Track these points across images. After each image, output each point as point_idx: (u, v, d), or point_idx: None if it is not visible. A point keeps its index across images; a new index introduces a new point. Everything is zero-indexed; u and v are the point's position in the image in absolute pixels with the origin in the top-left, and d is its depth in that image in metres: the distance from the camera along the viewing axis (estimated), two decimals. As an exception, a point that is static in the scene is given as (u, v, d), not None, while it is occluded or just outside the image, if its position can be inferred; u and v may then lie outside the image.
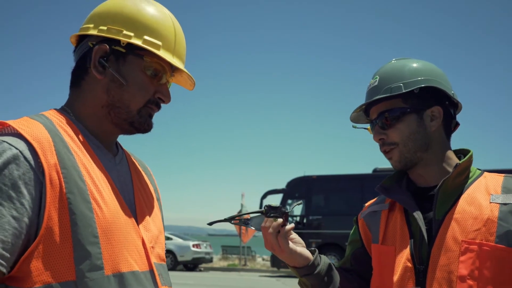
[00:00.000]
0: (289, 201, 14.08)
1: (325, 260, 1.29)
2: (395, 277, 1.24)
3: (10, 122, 1.01)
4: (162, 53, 1.11)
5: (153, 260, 1.10)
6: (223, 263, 20.36)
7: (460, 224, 1.20)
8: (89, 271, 0.95)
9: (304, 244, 1.27)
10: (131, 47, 1.10)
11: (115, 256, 1.00)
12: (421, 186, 1.32)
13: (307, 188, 14.28)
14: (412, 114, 1.29)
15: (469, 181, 1.29)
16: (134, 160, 1.28)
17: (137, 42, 1.09)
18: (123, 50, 1.10)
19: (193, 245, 17.56)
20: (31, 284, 0.92)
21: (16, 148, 0.95)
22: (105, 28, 1.11)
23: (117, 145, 1.23)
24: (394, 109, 1.29)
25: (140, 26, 1.11)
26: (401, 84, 1.27)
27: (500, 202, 1.20)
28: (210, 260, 18.80)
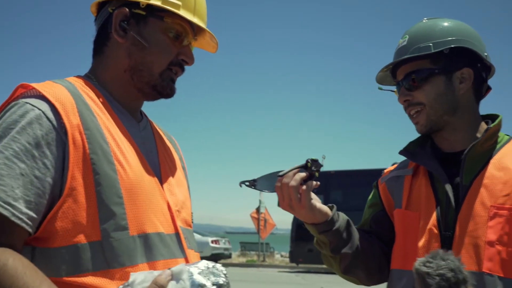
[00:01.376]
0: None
1: (343, 217, 1.27)
2: (420, 243, 1.22)
3: (34, 84, 1.01)
4: (182, 12, 1.11)
5: (179, 223, 1.10)
6: (242, 259, 20.39)
7: (488, 189, 1.17)
8: (114, 231, 0.95)
9: (319, 200, 1.24)
10: (151, 9, 1.10)
11: (140, 217, 0.99)
12: (447, 151, 1.29)
13: (325, 184, 14.21)
14: (441, 75, 1.24)
15: (498, 146, 1.25)
16: (159, 129, 1.29)
17: (156, 2, 1.10)
18: (143, 13, 1.10)
19: (212, 241, 17.66)
20: (57, 244, 0.92)
21: (39, 109, 0.96)
22: None
23: (142, 114, 1.24)
24: (422, 70, 1.25)
25: None
26: (431, 44, 1.23)
27: None
28: (229, 256, 18.88)
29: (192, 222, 1.22)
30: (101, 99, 1.08)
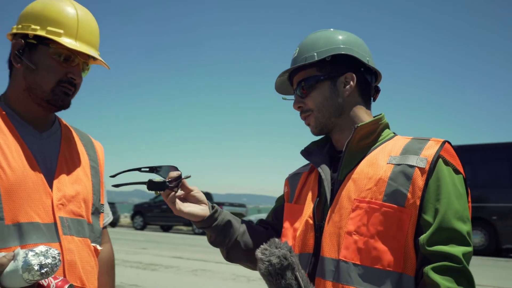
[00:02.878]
0: None
1: (224, 218, 1.40)
2: (298, 232, 1.32)
3: None
4: (62, 39, 1.31)
5: (61, 214, 1.32)
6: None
7: (356, 183, 1.26)
8: None
9: (203, 201, 1.37)
10: (40, 38, 1.33)
11: (15, 210, 1.23)
12: (339, 150, 1.39)
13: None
14: (326, 81, 1.35)
15: (376, 144, 1.33)
16: (75, 135, 1.52)
17: (41, 33, 1.32)
18: (34, 42, 1.33)
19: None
20: None
21: None
22: (20, 26, 1.36)
23: (58, 123, 1.48)
24: (310, 78, 1.36)
25: (44, 19, 1.33)
26: (315, 53, 1.34)
27: (395, 163, 1.24)
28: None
29: (96, 210, 1.47)
30: (3, 113, 1.33)
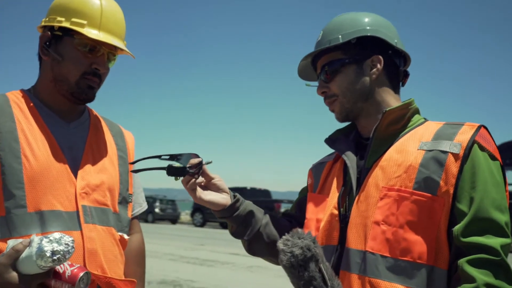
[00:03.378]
0: None
1: (246, 207, 1.35)
2: (322, 223, 1.26)
3: None
4: (85, 30, 1.34)
5: (84, 203, 1.34)
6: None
7: (384, 171, 1.19)
8: (14, 208, 1.23)
9: (224, 189, 1.33)
10: (65, 30, 1.36)
11: (38, 198, 1.26)
12: (366, 137, 1.32)
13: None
14: (352, 64, 1.28)
15: (406, 130, 1.26)
16: (105, 125, 1.54)
17: (65, 24, 1.35)
18: (60, 33, 1.36)
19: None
20: None
21: None
22: (47, 18, 1.39)
23: (88, 113, 1.51)
24: (334, 61, 1.29)
25: (69, 11, 1.36)
26: (340, 36, 1.28)
27: (426, 149, 1.16)
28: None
29: (124, 200, 1.47)
30: (31, 107, 1.36)
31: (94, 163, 1.42)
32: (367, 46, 1.28)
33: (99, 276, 1.29)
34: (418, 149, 1.17)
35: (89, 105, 1.52)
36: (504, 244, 1.04)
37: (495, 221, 1.06)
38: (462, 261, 1.04)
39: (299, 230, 1.09)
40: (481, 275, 1.01)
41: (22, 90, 1.42)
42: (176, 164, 1.28)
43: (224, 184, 1.35)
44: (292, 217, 1.48)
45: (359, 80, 1.28)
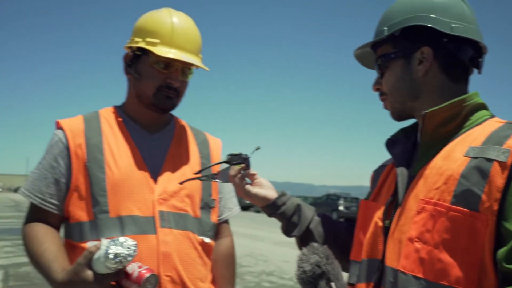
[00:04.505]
0: None
1: (293, 202, 1.31)
2: (368, 234, 1.14)
3: (60, 120, 1.52)
4: (157, 49, 1.42)
5: (161, 208, 1.42)
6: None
7: (426, 180, 1.02)
8: (99, 213, 1.38)
9: (270, 187, 1.32)
10: (142, 49, 1.47)
11: (119, 204, 1.39)
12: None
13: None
14: (399, 59, 1.13)
15: (462, 130, 1.06)
16: (190, 134, 1.64)
17: (141, 45, 1.45)
18: (139, 53, 1.47)
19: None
20: (71, 221, 1.43)
21: (58, 136, 1.47)
22: (129, 40, 1.50)
23: (174, 123, 1.61)
24: (385, 55, 1.15)
25: (144, 31, 1.46)
26: (385, 28, 1.13)
27: (472, 156, 0.96)
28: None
29: (206, 205, 1.54)
30: (118, 122, 1.51)
31: (174, 170, 1.50)
32: (415, 37, 1.10)
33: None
34: (464, 155, 0.98)
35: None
36: None
37: None
38: None
39: (315, 244, 1.04)
40: None
41: (115, 107, 1.58)
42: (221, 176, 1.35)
43: (267, 181, 1.33)
44: (351, 222, 1.36)
45: (405, 76, 1.12)
